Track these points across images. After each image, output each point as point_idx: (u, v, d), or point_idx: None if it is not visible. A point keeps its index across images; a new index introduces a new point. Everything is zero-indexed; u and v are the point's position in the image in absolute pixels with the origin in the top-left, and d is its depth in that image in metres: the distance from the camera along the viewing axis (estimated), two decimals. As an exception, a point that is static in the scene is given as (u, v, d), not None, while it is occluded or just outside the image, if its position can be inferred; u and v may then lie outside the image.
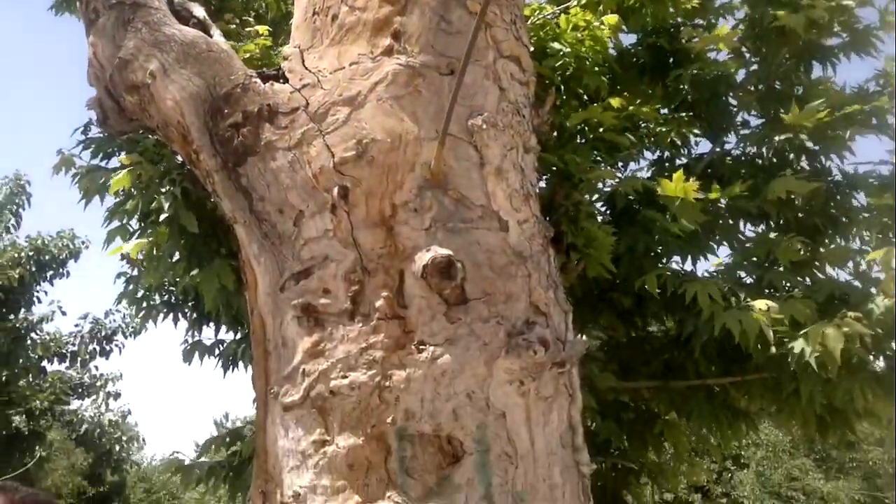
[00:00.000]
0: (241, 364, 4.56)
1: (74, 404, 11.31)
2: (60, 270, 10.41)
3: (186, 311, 4.47)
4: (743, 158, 4.20)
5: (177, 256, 3.67)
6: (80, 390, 11.40)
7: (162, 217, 3.42)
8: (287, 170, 2.67)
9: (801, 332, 3.03)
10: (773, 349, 3.29)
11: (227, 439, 4.37)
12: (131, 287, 4.44)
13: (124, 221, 3.76)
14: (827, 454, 19.86)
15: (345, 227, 2.58)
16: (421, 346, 2.49)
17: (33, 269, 10.05)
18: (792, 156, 4.00)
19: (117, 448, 11.51)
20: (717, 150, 4.33)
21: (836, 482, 18.00)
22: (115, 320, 10.53)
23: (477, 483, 2.41)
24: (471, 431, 2.45)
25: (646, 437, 3.78)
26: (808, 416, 3.31)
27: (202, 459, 4.38)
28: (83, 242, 10.62)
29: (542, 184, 3.72)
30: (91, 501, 26.47)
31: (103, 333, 10.42)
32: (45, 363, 10.26)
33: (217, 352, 4.62)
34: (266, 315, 2.76)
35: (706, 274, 3.59)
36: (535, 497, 2.47)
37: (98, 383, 11.53)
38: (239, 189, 2.77)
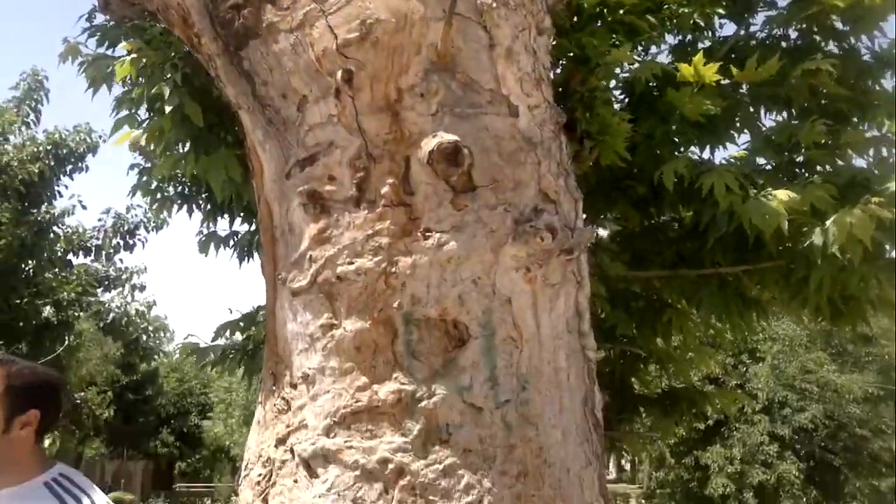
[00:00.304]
0: (256, 255, 4.61)
1: (102, 297, 11.61)
2: (79, 165, 10.46)
3: (200, 202, 4.49)
4: (768, 42, 4.00)
5: (182, 146, 3.64)
6: (106, 283, 11.68)
7: (168, 108, 3.36)
8: (289, 53, 2.59)
9: (830, 220, 2.95)
10: (792, 237, 3.23)
11: (242, 324, 4.47)
12: (145, 179, 4.45)
13: (132, 111, 3.72)
14: (843, 348, 20.05)
15: (349, 112, 2.52)
16: (427, 233, 2.48)
17: (52, 163, 10.11)
18: (819, 38, 3.82)
19: (144, 337, 11.86)
20: (742, 32, 4.13)
21: (850, 375, 18.24)
22: (136, 215, 10.66)
23: (482, 365, 2.44)
24: (476, 316, 2.47)
25: (655, 326, 3.79)
26: (819, 304, 3.29)
27: (218, 342, 4.51)
28: (100, 136, 10.64)
29: (557, 70, 3.60)
30: (125, 389, 27.71)
31: (126, 228, 10.56)
32: (70, 256, 10.50)
33: (232, 243, 4.67)
34: (272, 202, 2.75)
35: (724, 161, 3.48)
36: (540, 379, 2.51)
37: (123, 276, 11.77)
38: (241, 73, 2.71)
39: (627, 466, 35.96)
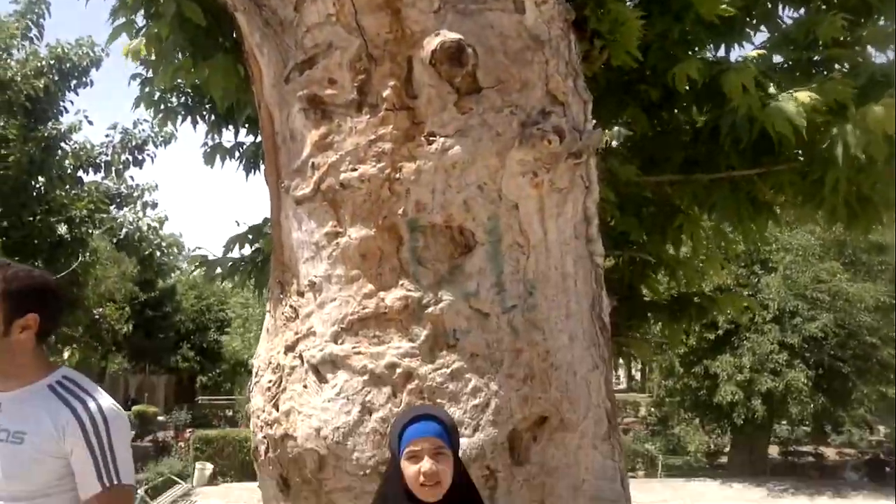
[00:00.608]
0: (262, 166, 4.54)
1: (114, 214, 11.63)
2: (83, 79, 10.30)
3: (204, 112, 4.40)
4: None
5: (182, 53, 3.52)
6: (118, 200, 11.70)
7: (165, 12, 3.23)
8: (284, -53, 2.47)
9: (850, 122, 2.82)
10: (810, 138, 3.12)
11: (250, 236, 4.45)
12: (147, 90, 4.36)
13: (129, 17, 3.60)
14: (856, 258, 19.99)
15: (348, 10, 2.41)
16: (431, 138, 2.41)
17: (56, 78, 9.96)
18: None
19: (158, 253, 11.96)
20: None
21: (862, 284, 18.24)
22: (143, 130, 10.55)
23: (489, 271, 2.42)
24: (482, 222, 2.43)
25: (665, 232, 3.72)
26: (836, 206, 3.20)
27: (228, 256, 4.50)
28: (103, 50, 10.41)
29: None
30: (144, 306, 28.20)
31: (133, 143, 10.47)
32: (80, 173, 10.47)
33: (237, 154, 4.61)
34: (273, 108, 2.68)
35: (740, 59, 3.32)
36: (547, 285, 2.49)
37: (135, 193, 11.78)
38: (235, -29, 2.60)
39: (638, 376, 36.63)
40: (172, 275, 26.65)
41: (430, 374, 2.38)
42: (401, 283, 2.43)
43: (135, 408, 27.66)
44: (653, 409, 25.00)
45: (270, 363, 2.72)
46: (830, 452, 22.87)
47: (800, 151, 3.33)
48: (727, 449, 22.04)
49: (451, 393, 2.37)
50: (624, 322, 3.88)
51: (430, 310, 2.40)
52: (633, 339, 4.03)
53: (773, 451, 21.83)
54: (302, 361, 2.57)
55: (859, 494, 17.95)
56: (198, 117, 4.51)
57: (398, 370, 2.39)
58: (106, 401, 1.91)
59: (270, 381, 2.67)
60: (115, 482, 1.85)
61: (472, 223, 2.43)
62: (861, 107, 2.85)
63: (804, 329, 17.82)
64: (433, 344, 2.40)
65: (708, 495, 17.98)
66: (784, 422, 21.08)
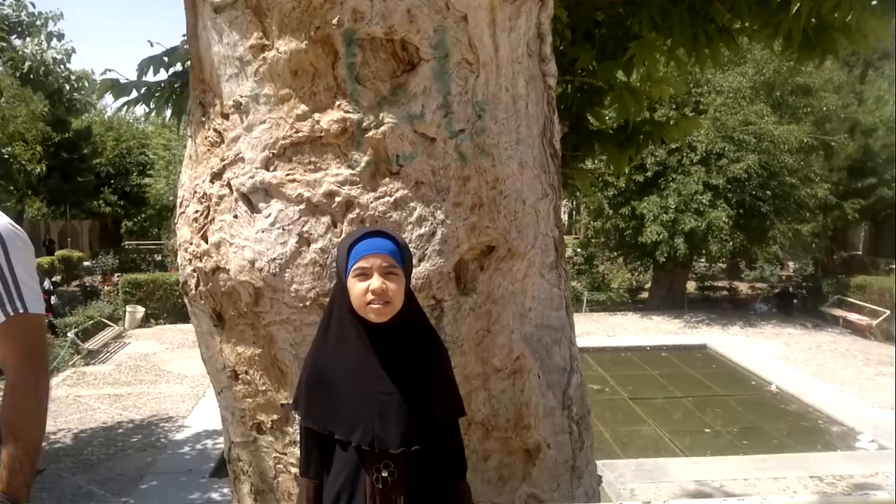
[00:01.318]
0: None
1: (15, 44, 10.63)
2: None
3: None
4: None
5: None
6: (18, 29, 10.67)
7: None
8: None
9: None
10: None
11: (166, 59, 4.04)
12: None
13: None
14: (783, 100, 20.23)
15: None
16: (368, -69, 2.10)
17: None
18: None
19: (67, 87, 11.08)
20: None
21: (787, 126, 18.57)
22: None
23: (434, 91, 2.21)
24: (428, 35, 2.19)
25: (617, 57, 3.53)
26: (794, 34, 3.05)
27: (143, 80, 4.10)
28: None
29: None
30: (59, 147, 26.78)
31: (27, -43, 9.41)
32: (-30, -4, 9.43)
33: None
34: None
35: None
36: (497, 107, 2.30)
37: (38, 22, 10.75)
38: None
39: (565, 218, 37.49)
40: (86, 115, 25.23)
41: (371, 202, 2.22)
42: (337, 103, 2.20)
43: (59, 252, 26.98)
44: (579, 250, 25.75)
45: (196, 192, 2.50)
46: (744, 287, 24.25)
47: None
48: (648, 285, 23.09)
49: (394, 222, 2.22)
50: (570, 153, 3.75)
51: (370, 133, 2.19)
52: (577, 170, 3.93)
53: (691, 286, 23.00)
54: (231, 190, 2.37)
55: (768, 324, 19.25)
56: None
57: (337, 199, 2.22)
58: (0, 219, 1.67)
59: (197, 212, 2.47)
60: (21, 310, 1.66)
61: (417, 36, 2.18)
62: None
63: (729, 170, 18.24)
64: (374, 170, 2.22)
65: (628, 327, 18.99)
66: (703, 259, 22.08)
